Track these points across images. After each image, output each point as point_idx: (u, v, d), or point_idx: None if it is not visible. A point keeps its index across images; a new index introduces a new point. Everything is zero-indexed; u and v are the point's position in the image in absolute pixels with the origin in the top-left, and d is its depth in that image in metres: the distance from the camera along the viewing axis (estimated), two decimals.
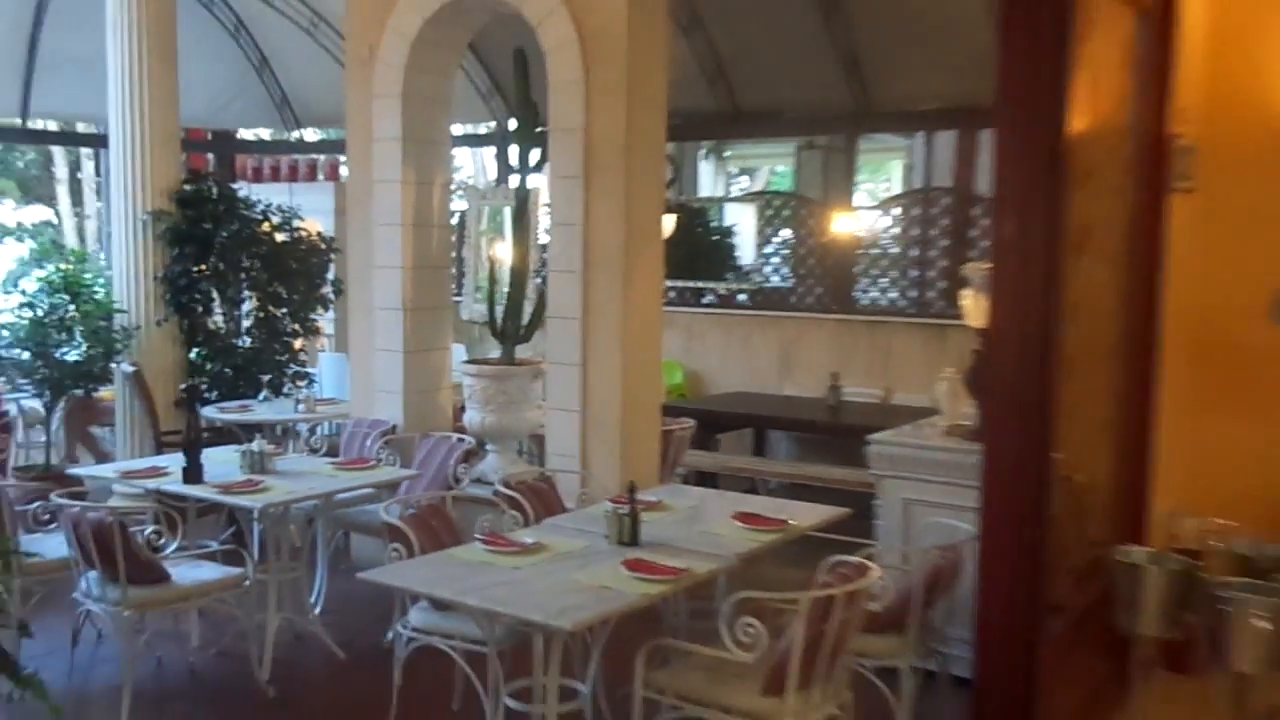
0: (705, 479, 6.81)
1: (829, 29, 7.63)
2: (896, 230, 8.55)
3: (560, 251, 5.20)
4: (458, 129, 9.36)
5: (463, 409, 5.67)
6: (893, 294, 8.36)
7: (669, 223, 6.21)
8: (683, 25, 7.86)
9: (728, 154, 13.25)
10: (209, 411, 6.11)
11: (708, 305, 9.15)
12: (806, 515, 4.04)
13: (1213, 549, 3.42)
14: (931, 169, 8.95)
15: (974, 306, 4.24)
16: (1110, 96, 3.58)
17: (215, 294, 6.81)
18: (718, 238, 10.22)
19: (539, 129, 5.47)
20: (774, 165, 14.19)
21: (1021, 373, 2.98)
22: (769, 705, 2.98)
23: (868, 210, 8.84)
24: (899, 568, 3.91)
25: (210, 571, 4.20)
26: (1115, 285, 3.82)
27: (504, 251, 6.63)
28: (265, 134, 11.32)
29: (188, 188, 6.81)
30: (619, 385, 5.08)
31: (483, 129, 10.21)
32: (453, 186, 6.68)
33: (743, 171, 14.44)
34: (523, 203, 5.58)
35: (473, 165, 14.50)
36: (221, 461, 4.69)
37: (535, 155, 5.53)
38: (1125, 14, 3.66)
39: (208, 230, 6.67)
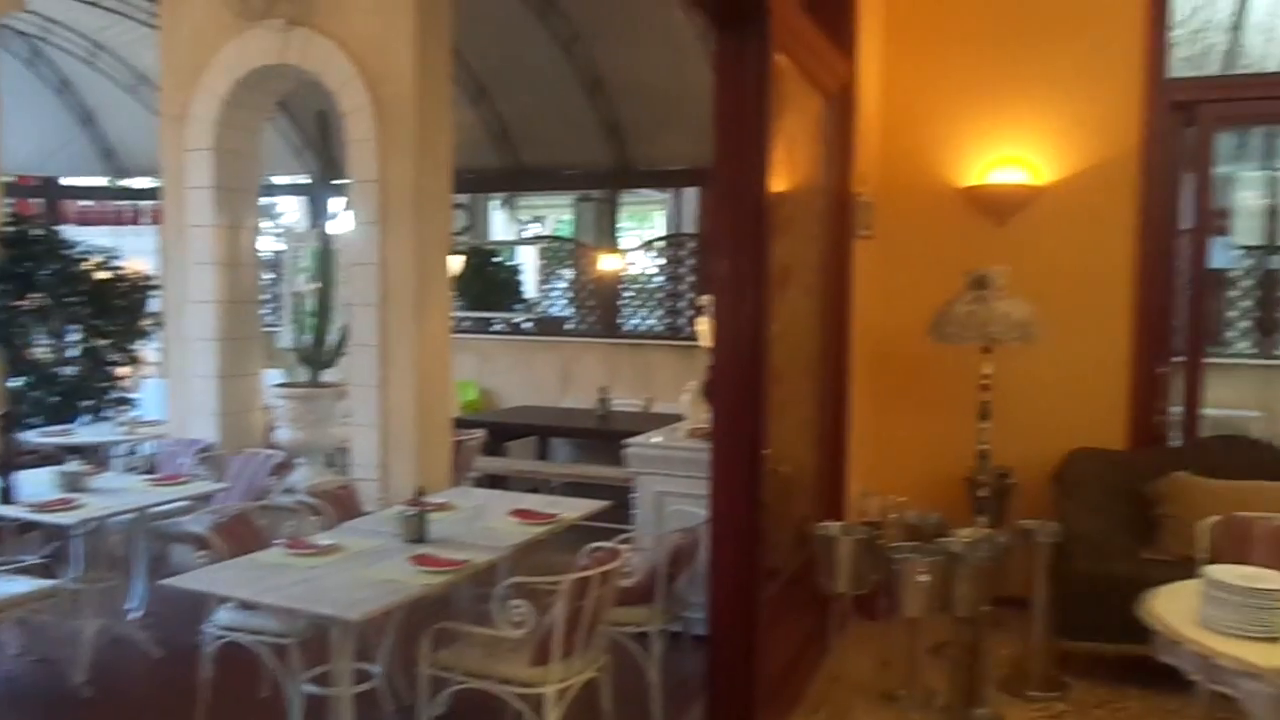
0: (496, 481, 6.70)
1: (593, 103, 7.72)
2: (654, 268, 8.73)
3: (360, 288, 5.01)
4: (281, 179, 8.92)
5: (275, 428, 5.38)
6: (651, 320, 8.51)
7: (457, 262, 6.10)
8: (470, 95, 7.76)
9: (520, 204, 13.20)
10: (30, 436, 5.55)
11: (498, 332, 9.05)
12: (574, 509, 4.02)
13: (890, 520, 3.60)
14: (681, 218, 9.18)
15: (706, 330, 4.35)
16: (805, 162, 3.75)
17: (38, 327, 6.24)
18: (507, 275, 10.16)
19: (341, 181, 5.27)
20: (559, 214, 14.22)
21: (737, 384, 3.06)
22: (536, 673, 2.93)
23: (632, 252, 8.99)
24: (651, 549, 3.95)
25: (23, 585, 3.78)
26: (813, 312, 4.00)
27: (314, 287, 6.32)
28: (93, 181, 10.44)
29: (10, 229, 6.20)
30: (414, 403, 4.93)
31: (301, 179, 9.77)
32: (277, 229, 6.34)
33: (534, 219, 14.40)
34: (327, 245, 5.35)
35: (297, 211, 13.85)
36: (39, 482, 4.25)
37: (339, 203, 5.32)
38: (814, 96, 3.84)
39: (28, 269, 6.10)
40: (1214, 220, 7.24)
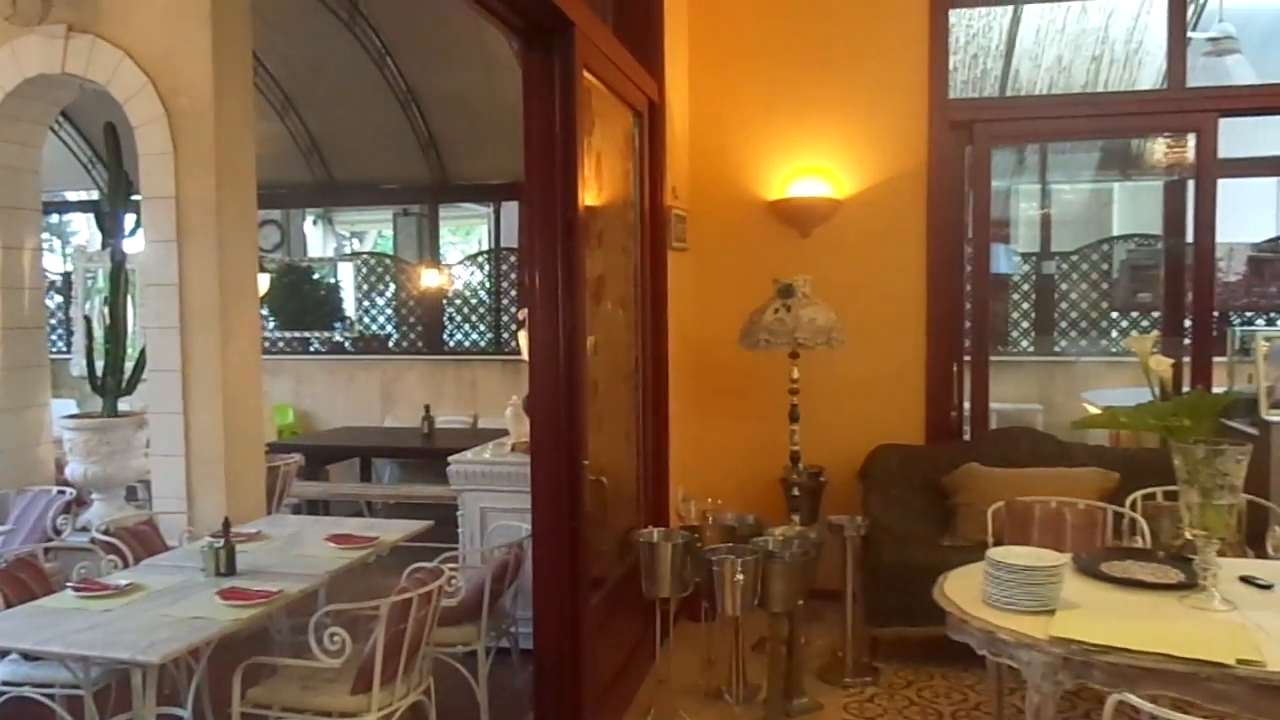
0: (317, 507, 6.48)
1: (408, 117, 7.60)
2: (476, 283, 8.67)
3: (158, 309, 4.72)
4: (72, 195, 8.29)
5: (67, 463, 4.97)
6: (476, 336, 8.44)
7: (264, 281, 5.85)
8: (277, 108, 7.47)
9: (338, 220, 12.77)
10: None
11: (316, 352, 8.75)
12: (396, 530, 3.93)
13: (709, 524, 3.71)
14: (502, 232, 9.15)
15: (525, 344, 4.35)
16: (616, 177, 3.83)
17: None
18: (326, 293, 9.82)
19: (133, 196, 4.95)
20: (380, 229, 13.84)
21: (555, 396, 3.09)
22: (357, 702, 2.84)
23: (455, 266, 8.89)
24: (476, 567, 3.91)
25: None
26: (631, 323, 4.07)
27: (107, 311, 5.91)
28: None
29: None
30: (220, 429, 4.69)
31: (93, 195, 9.13)
32: (68, 249, 5.87)
33: (353, 234, 13.97)
34: (119, 265, 5.01)
35: (88, 230, 12.90)
36: None
37: (131, 221, 5.00)
38: (624, 113, 3.93)
39: None
40: (996, 230, 7.90)
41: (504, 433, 4.83)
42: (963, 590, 2.65)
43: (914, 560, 4.00)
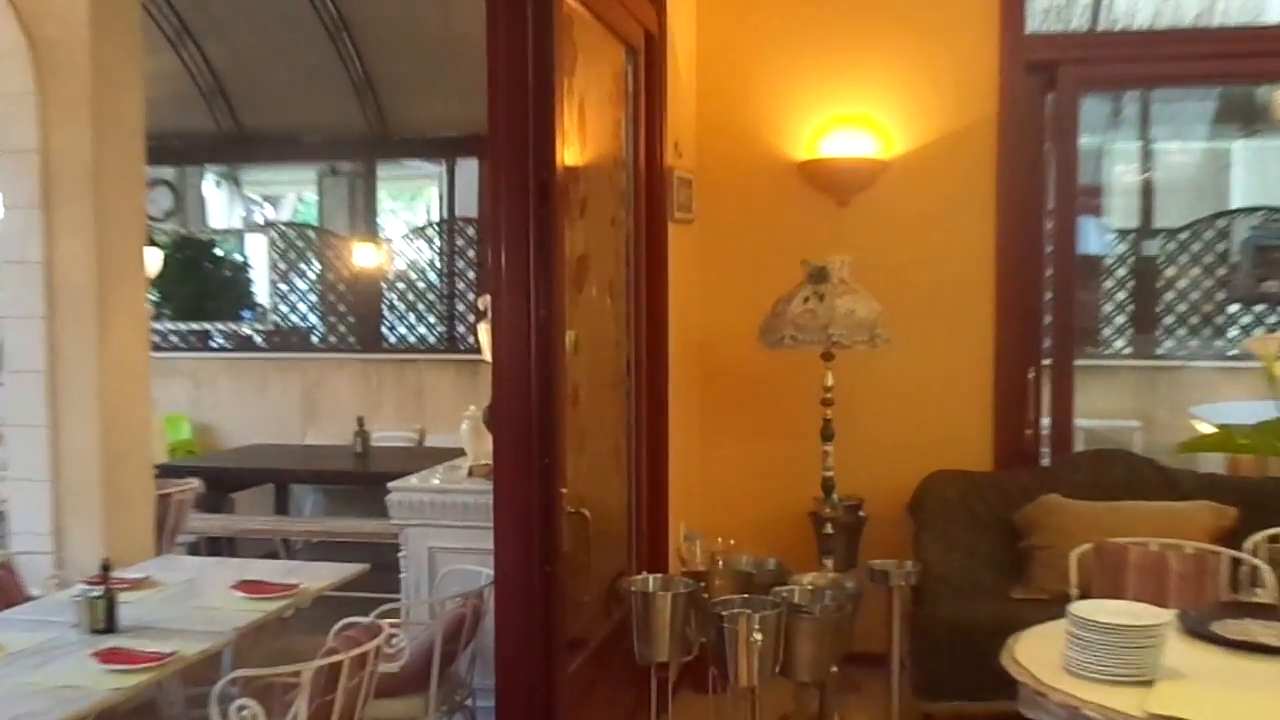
0: (219, 546, 6.49)
1: (338, 51, 7.61)
2: (424, 262, 8.69)
3: (16, 295, 4.71)
4: None
5: None
6: (422, 329, 8.47)
7: (154, 258, 5.86)
8: (170, 37, 7.48)
9: (247, 180, 12.77)
10: None
11: (219, 349, 8.76)
12: (321, 576, 3.94)
13: (719, 569, 3.73)
14: (456, 198, 9.18)
15: (486, 340, 4.37)
16: (604, 129, 3.85)
17: None
18: (232, 274, 9.84)
19: None
20: (301, 192, 13.85)
21: (524, 407, 3.10)
22: None
23: (398, 241, 8.92)
24: (423, 623, 3.93)
25: None
26: (620, 315, 4.09)
27: None
28: None
29: None
30: (98, 447, 4.67)
31: None
32: None
33: (266, 199, 13.98)
34: None
35: None
36: None
37: None
38: (615, 48, 3.95)
39: None
40: (1085, 200, 7.96)
41: (459, 453, 4.84)
42: (1039, 655, 2.67)
43: (977, 617, 4.03)
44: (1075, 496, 4.45)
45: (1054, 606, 3.28)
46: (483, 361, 4.79)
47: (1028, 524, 4.44)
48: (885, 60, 4.91)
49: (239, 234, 11.00)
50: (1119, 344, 7.85)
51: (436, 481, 4.49)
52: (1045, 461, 4.95)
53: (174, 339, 8.80)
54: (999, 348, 4.90)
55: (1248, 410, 5.04)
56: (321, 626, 3.42)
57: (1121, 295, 7.90)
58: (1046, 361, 4.96)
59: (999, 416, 4.91)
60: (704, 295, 4.99)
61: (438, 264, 8.74)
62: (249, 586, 3.72)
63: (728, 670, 3.34)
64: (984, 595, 4.23)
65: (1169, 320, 7.79)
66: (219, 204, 12.10)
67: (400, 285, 8.73)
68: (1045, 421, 4.98)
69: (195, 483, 5.77)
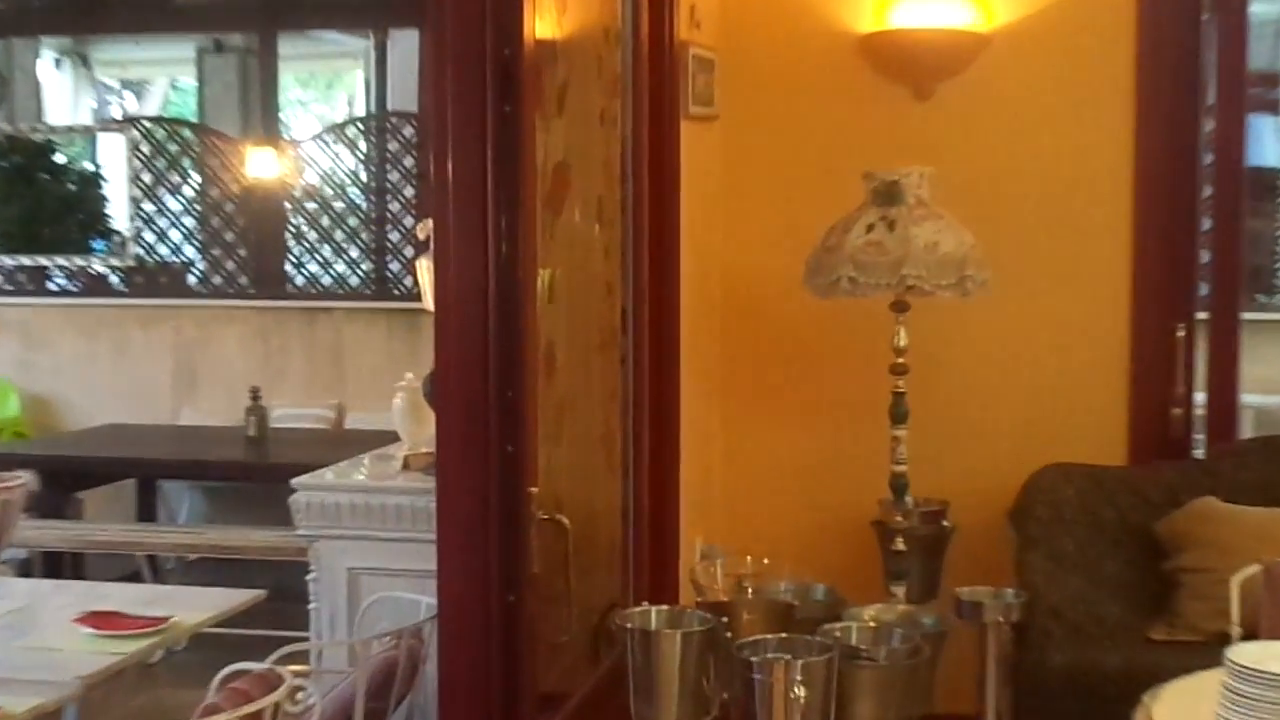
0: (60, 562, 6.51)
1: None
2: (344, 174, 8.67)
3: None
4: None
5: None
6: (340, 267, 8.46)
7: None
8: None
9: (99, 57, 12.73)
10: None
11: (59, 292, 8.76)
12: (200, 607, 3.96)
13: (748, 599, 3.73)
14: (389, 85, 9.15)
15: (429, 282, 4.36)
16: None
17: None
18: (76, 188, 9.81)
19: None
20: (173, 77, 13.81)
21: (479, 374, 3.09)
22: None
23: (307, 144, 8.90)
24: (340, 671, 3.94)
25: None
26: (613, 250, 4.08)
27: None
28: None
29: None
30: None
31: None
32: None
33: (125, 86, 13.95)
34: None
35: None
36: None
37: None
38: None
39: None
40: (1260, 93, 7.91)
41: (391, 438, 4.85)
42: (1186, 716, 2.67)
43: (1103, 665, 4.05)
44: (1240, 501, 4.45)
45: (1207, 651, 3.29)
46: (424, 312, 4.79)
47: (1174, 538, 4.44)
48: None
49: (88, 134, 10.97)
50: None
51: (360, 478, 4.49)
52: (1199, 453, 4.96)
53: None
54: (1137, 296, 4.90)
55: None
56: (200, 676, 3.43)
57: None
58: (1202, 315, 4.96)
59: (1135, 390, 4.91)
60: (730, 222, 4.98)
61: (363, 177, 8.71)
62: (100, 620, 3.73)
63: None
64: (1111, 636, 4.24)
65: None
66: (60, 92, 12.06)
67: (311, 206, 8.71)
68: (1199, 398, 4.98)
69: (26, 477, 5.76)
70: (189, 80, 12.64)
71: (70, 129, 11.24)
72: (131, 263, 8.87)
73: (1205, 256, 4.97)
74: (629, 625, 3.43)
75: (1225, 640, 3.43)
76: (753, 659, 3.31)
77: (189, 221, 8.98)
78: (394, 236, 8.38)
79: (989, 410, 4.89)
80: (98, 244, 9.38)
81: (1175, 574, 4.38)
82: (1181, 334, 4.94)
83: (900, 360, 4.32)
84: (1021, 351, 4.91)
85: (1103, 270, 4.90)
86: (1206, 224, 4.95)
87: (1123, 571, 4.51)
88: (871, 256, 4.16)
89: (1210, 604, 4.05)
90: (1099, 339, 4.91)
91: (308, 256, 8.58)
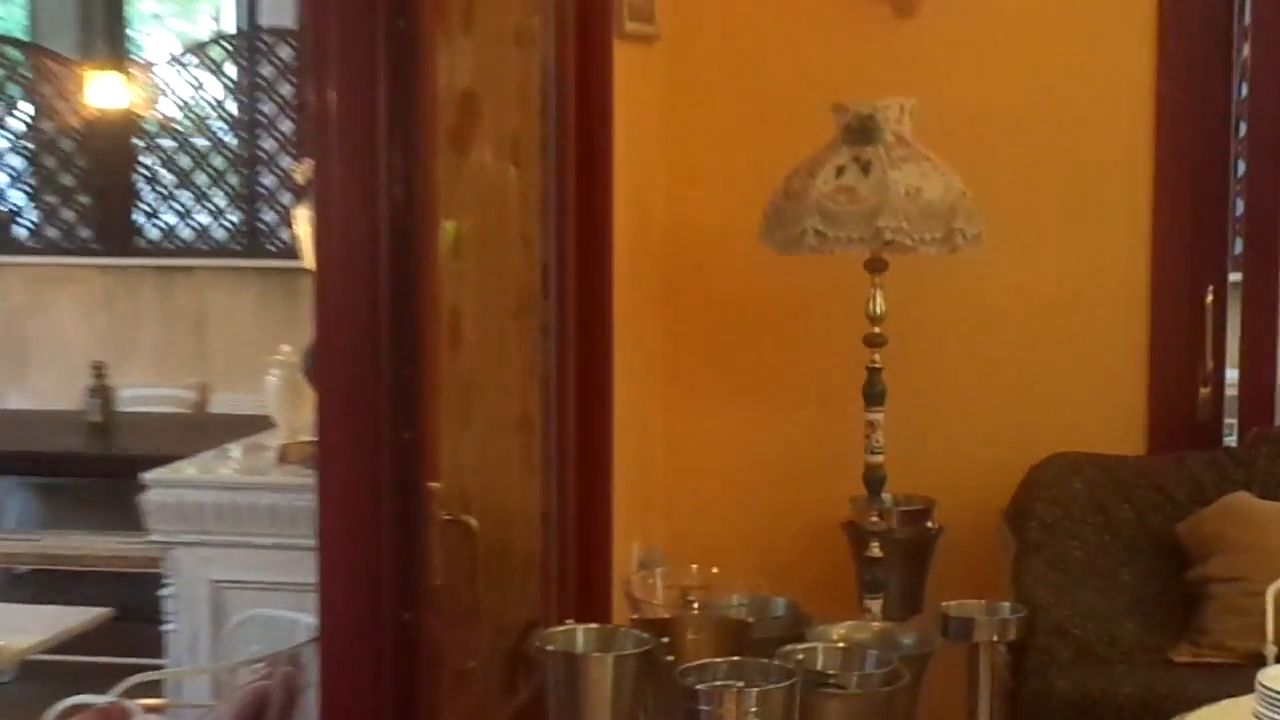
0: None
1: None
2: (207, 104, 8.62)
3: None
4: None
5: None
6: (202, 218, 8.41)
7: None
8: None
9: None
10: None
11: None
12: (28, 628, 3.95)
13: (693, 614, 3.75)
14: None
15: (308, 236, 4.35)
16: None
17: None
18: None
19: None
20: None
21: (369, 347, 3.08)
22: None
23: (160, 69, 8.84)
24: (202, 706, 3.94)
25: None
26: (533, 196, 4.07)
27: None
28: None
29: None
30: None
31: None
32: None
33: None
34: None
35: None
36: None
37: None
38: None
39: None
40: None
41: (263, 423, 4.84)
42: None
43: (1117, 691, 4.08)
44: (1277, 497, 4.51)
45: (1237, 674, 3.34)
46: (303, 272, 4.78)
47: (1201, 541, 4.48)
48: None
49: None
50: None
51: (227, 472, 4.49)
52: (1231, 440, 5.01)
53: None
54: (1157, 253, 4.94)
55: None
56: (31, 711, 3.43)
57: None
58: (1235, 276, 5.00)
59: (1156, 366, 4.95)
60: (674, 163, 4.98)
61: (230, 108, 8.65)
62: None
63: None
64: (1126, 657, 4.28)
65: None
66: None
67: (167, 143, 8.64)
68: (1231, 375, 5.03)
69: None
70: None
71: None
72: None
73: (1239, 207, 5.01)
74: (551, 648, 3.45)
75: (1259, 662, 3.48)
76: (699, 687, 3.33)
77: (16, 161, 8.89)
78: (268, 181, 8.34)
79: (982, 390, 4.92)
80: None
81: (1202, 584, 4.42)
82: (1210, 298, 4.98)
83: (876, 330, 4.33)
84: (1020, 319, 4.93)
85: (1118, 223, 4.94)
86: (1240, 169, 4.99)
87: (1140, 581, 4.55)
88: (842, 205, 4.17)
89: (1242, 619, 4.10)
90: (1113, 305, 4.95)
91: (163, 205, 8.52)
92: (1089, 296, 4.95)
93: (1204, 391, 5.00)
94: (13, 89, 8.92)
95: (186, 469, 4.51)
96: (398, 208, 3.09)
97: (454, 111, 3.42)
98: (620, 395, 4.44)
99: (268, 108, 8.35)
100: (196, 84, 8.77)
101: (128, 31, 9.11)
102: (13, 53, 9.16)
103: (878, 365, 4.35)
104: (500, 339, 3.89)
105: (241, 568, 4.32)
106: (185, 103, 8.79)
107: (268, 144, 8.38)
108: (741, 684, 3.32)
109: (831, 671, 3.52)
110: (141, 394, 7.51)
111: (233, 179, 8.54)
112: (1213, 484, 4.60)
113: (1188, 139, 4.91)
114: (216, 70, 8.74)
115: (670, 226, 4.98)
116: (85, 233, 8.52)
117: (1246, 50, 4.96)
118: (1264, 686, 2.63)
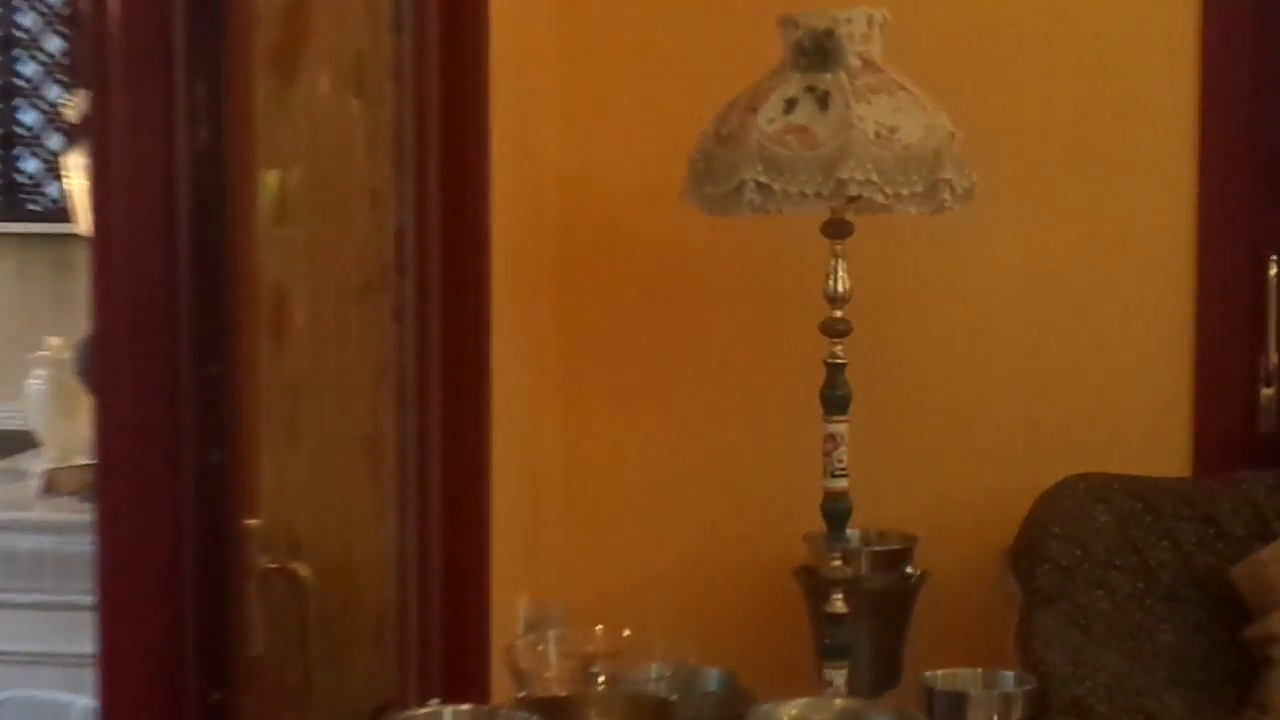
0: None
1: None
2: None
3: None
4: None
5: None
6: None
7: None
8: None
9: None
10: None
11: None
12: None
13: (595, 694, 3.76)
14: None
15: (84, 192, 4.34)
16: None
17: None
18: None
19: None
20: None
21: (160, 337, 3.07)
22: None
23: None
24: None
25: None
26: (383, 138, 4.06)
27: None
28: None
29: None
30: None
31: None
32: None
33: None
34: None
35: None
36: None
37: None
38: None
39: None
40: None
41: (23, 440, 4.83)
42: None
43: None
44: None
45: None
46: (76, 238, 4.75)
47: (1263, 589, 4.52)
48: None
49: None
50: None
51: None
52: None
53: None
54: (1204, 217, 4.99)
55: None
56: None
57: None
58: None
59: (1202, 361, 5.00)
60: (573, 98, 4.98)
61: None
62: None
63: None
64: None
65: None
66: None
67: None
68: None
69: None
70: None
71: None
72: None
73: None
74: None
75: None
76: None
77: None
78: (29, 118, 8.29)
79: (977, 393, 4.96)
80: None
81: (1264, 644, 4.47)
82: (1274, 272, 5.04)
83: (838, 314, 4.33)
84: (1026, 301, 4.98)
85: (1155, 178, 4.98)
86: None
87: (1184, 642, 4.58)
88: (793, 150, 4.17)
89: None
90: (1148, 283, 5.00)
91: None
92: (1116, 271, 4.98)
93: (1266, 393, 5.05)
94: None
95: None
96: (201, 154, 3.07)
97: (276, 25, 3.41)
98: (500, 402, 4.43)
99: (27, 19, 8.30)
100: None
101: None
102: None
103: (840, 360, 4.34)
104: (340, 328, 3.88)
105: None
106: None
107: (28, 69, 8.33)
108: None
109: None
110: None
111: None
112: (1277, 514, 4.63)
113: (1244, 68, 4.95)
114: None
115: (566, 178, 4.97)
116: None
117: None
118: None
